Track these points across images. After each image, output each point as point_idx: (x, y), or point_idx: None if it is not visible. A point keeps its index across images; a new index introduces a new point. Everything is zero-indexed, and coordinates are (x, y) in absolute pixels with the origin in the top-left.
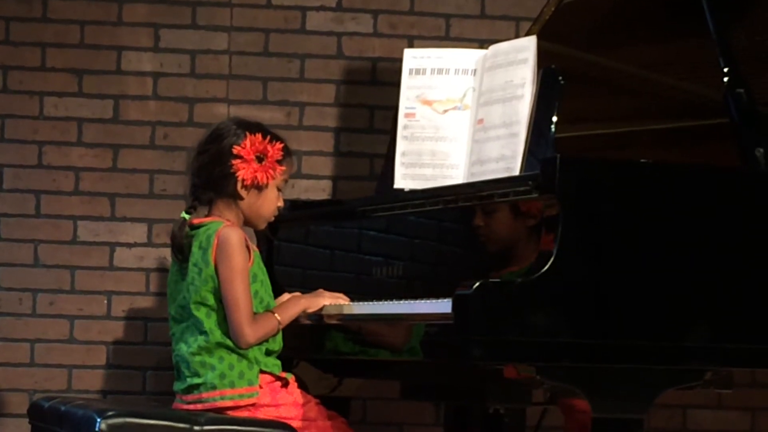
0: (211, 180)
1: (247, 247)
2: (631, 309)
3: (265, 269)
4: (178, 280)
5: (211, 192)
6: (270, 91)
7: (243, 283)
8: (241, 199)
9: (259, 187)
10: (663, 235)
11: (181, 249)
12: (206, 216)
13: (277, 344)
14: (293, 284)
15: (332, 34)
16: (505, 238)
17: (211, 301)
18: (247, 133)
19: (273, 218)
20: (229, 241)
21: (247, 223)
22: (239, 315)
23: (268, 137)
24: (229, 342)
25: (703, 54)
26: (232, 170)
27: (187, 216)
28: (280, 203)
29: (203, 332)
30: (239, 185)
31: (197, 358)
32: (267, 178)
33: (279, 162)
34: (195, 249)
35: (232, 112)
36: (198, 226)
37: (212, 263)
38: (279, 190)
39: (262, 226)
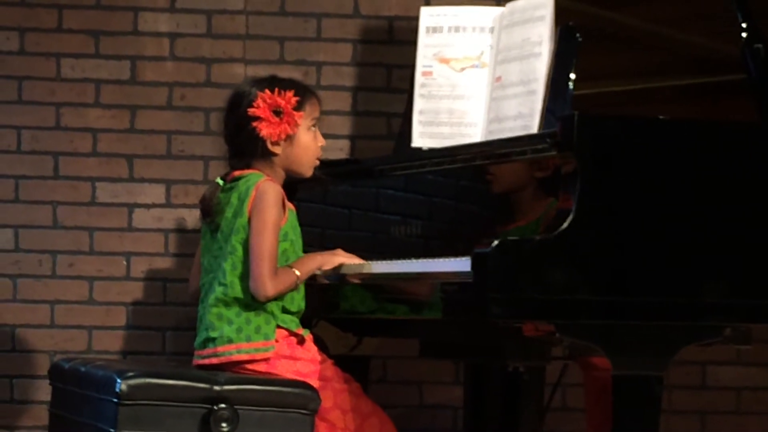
0: (242, 147)
1: (284, 206)
2: (650, 265)
3: (299, 230)
4: (213, 231)
5: (247, 158)
6: (287, 50)
7: (272, 237)
8: (276, 155)
9: (289, 138)
10: (681, 192)
11: (208, 212)
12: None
13: (295, 305)
14: (312, 244)
15: None
16: (523, 196)
17: (240, 252)
18: (258, 92)
19: (318, 161)
20: (266, 195)
21: (292, 175)
22: (262, 266)
23: (276, 89)
24: (248, 297)
25: (721, 9)
26: (255, 132)
27: (221, 182)
28: (321, 142)
29: (223, 284)
30: (268, 144)
31: (214, 311)
32: (290, 128)
33: (297, 108)
34: (234, 200)
35: (249, 73)
36: (238, 178)
37: (247, 214)
38: (314, 127)
39: (309, 172)
